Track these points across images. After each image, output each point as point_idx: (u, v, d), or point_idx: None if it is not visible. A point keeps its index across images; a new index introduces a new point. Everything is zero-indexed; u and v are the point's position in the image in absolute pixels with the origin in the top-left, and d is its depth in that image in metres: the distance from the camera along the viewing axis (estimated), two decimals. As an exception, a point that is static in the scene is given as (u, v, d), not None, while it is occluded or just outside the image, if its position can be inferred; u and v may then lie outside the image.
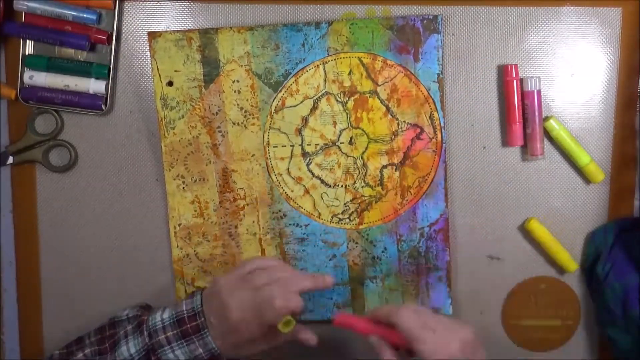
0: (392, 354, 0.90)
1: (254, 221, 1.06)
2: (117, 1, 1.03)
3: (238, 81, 1.03)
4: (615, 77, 1.04)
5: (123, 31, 1.05)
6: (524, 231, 1.06)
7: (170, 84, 1.03)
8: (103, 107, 1.04)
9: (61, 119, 1.06)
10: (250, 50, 1.02)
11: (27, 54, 1.04)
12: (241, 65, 1.03)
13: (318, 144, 1.04)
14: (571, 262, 1.05)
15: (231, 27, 1.02)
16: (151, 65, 1.03)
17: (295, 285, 0.92)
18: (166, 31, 1.03)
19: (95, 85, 1.04)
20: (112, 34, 1.03)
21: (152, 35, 1.03)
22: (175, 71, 1.03)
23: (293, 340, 0.95)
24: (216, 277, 0.95)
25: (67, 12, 1.02)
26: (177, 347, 0.93)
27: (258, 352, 0.96)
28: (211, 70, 1.03)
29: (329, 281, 0.95)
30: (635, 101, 1.04)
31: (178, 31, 1.03)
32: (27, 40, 1.04)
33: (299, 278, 0.93)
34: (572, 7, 1.03)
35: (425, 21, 1.00)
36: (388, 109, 1.02)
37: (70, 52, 1.04)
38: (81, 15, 1.02)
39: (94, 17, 1.02)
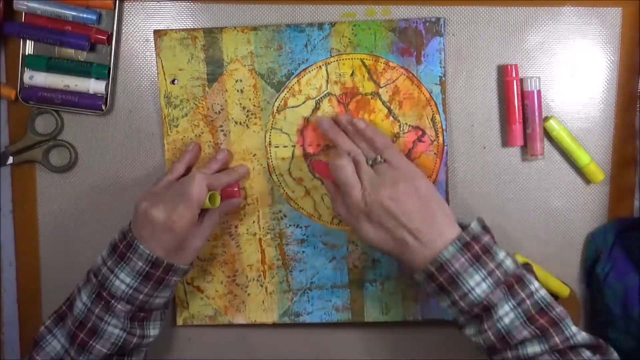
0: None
1: (254, 221, 1.06)
2: (117, 1, 1.02)
3: (241, 80, 1.03)
4: (615, 77, 1.04)
5: (123, 31, 1.05)
6: (524, 231, 1.06)
7: (174, 82, 1.03)
8: (103, 107, 1.04)
9: (61, 119, 1.06)
10: (253, 50, 1.02)
11: (27, 54, 1.04)
12: (244, 65, 1.03)
13: (319, 145, 1.03)
14: (562, 287, 1.06)
15: (235, 27, 1.02)
16: (156, 63, 1.03)
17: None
18: (171, 30, 1.03)
19: (95, 85, 1.03)
20: (112, 34, 1.03)
21: (158, 34, 1.03)
22: (180, 70, 1.03)
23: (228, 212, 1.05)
24: None
25: (67, 12, 1.01)
26: (119, 271, 0.92)
27: (203, 244, 0.98)
28: (215, 69, 1.03)
29: (242, 171, 1.05)
30: (635, 101, 1.04)
31: (183, 30, 1.03)
32: (27, 40, 1.04)
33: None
34: (572, 7, 1.03)
35: (427, 24, 1.00)
36: (390, 111, 1.02)
37: (70, 52, 1.04)
38: (81, 15, 1.02)
39: (94, 17, 1.02)
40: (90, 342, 0.92)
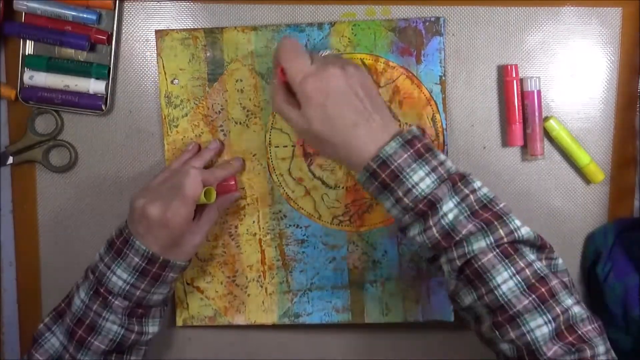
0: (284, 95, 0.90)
1: (254, 221, 1.06)
2: (117, 1, 1.02)
3: (241, 80, 1.03)
4: (615, 77, 1.04)
5: (123, 31, 1.05)
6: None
7: (174, 82, 1.03)
8: (103, 107, 1.04)
9: (61, 119, 1.06)
10: (254, 50, 1.02)
11: (27, 54, 1.04)
12: (245, 65, 1.03)
13: (320, 145, 1.03)
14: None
15: (235, 27, 1.02)
16: (157, 63, 1.04)
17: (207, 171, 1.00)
18: (173, 30, 1.03)
19: (95, 85, 1.03)
20: (112, 34, 1.03)
21: (159, 34, 1.03)
22: (180, 69, 1.03)
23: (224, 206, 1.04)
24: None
25: (67, 12, 1.01)
26: (116, 268, 0.92)
27: (201, 241, 0.98)
28: (215, 69, 1.03)
29: (238, 164, 1.04)
30: (635, 101, 1.04)
31: (184, 30, 1.03)
32: (27, 40, 1.03)
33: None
34: (572, 7, 1.03)
35: (427, 23, 1.00)
36: (390, 110, 1.02)
37: (70, 52, 1.04)
38: (81, 15, 1.02)
39: (94, 17, 1.02)
40: (89, 339, 0.92)
